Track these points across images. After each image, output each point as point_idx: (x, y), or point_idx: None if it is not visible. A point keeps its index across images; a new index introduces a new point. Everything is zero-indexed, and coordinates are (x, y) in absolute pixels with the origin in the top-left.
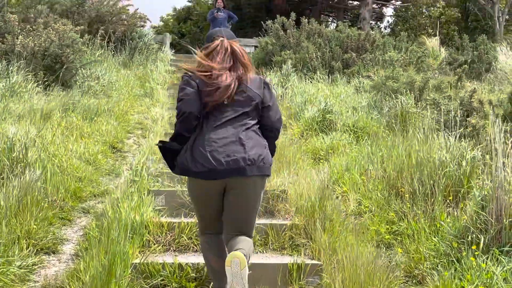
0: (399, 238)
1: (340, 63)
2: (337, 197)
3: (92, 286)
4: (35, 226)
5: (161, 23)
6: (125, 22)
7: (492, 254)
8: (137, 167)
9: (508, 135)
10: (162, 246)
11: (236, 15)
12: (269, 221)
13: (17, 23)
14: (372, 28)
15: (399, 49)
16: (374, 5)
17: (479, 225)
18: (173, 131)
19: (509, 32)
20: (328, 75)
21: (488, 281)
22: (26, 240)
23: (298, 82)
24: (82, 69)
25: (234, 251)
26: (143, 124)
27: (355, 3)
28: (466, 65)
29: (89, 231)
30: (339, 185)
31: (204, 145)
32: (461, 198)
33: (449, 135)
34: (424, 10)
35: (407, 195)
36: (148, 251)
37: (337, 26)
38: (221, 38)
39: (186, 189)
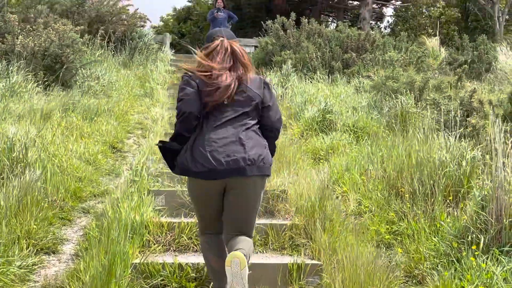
0: (399, 238)
1: (340, 63)
2: (337, 197)
3: (92, 286)
4: (35, 226)
5: (161, 23)
6: (125, 22)
7: (492, 254)
8: (137, 167)
9: (508, 135)
10: (162, 246)
11: (236, 15)
12: (269, 221)
13: (17, 23)
14: (372, 28)
15: (399, 49)
16: (374, 5)
17: (479, 225)
18: (173, 131)
19: (509, 32)
20: (328, 75)
21: (488, 281)
22: (26, 240)
23: (298, 82)
24: (82, 69)
25: (234, 251)
26: (143, 124)
27: (355, 3)
28: (466, 65)
29: (89, 231)
30: (339, 185)
31: (204, 145)
32: (461, 198)
33: (449, 135)
34: (424, 10)
35: (407, 195)
36: (148, 251)
37: (337, 26)
38: (221, 38)
39: (186, 189)
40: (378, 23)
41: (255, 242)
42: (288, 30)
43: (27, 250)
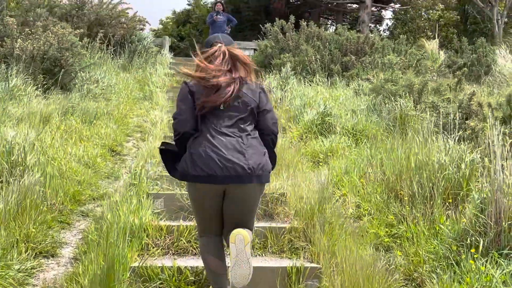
0: (398, 241)
1: (339, 66)
2: (336, 200)
3: None
4: (34, 230)
5: (161, 26)
6: (125, 25)
7: (491, 257)
8: (136, 170)
9: (507, 137)
10: (161, 249)
11: (235, 18)
12: (268, 224)
13: (16, 27)
14: (371, 31)
15: (398, 52)
16: (373, 8)
17: (478, 228)
18: (172, 134)
19: (508, 35)
20: (327, 78)
21: (487, 284)
22: (25, 244)
23: (297, 85)
24: (81, 72)
25: (237, 229)
26: (142, 127)
27: (354, 6)
28: (465, 68)
29: (88, 235)
30: (338, 188)
31: (205, 150)
32: (460, 201)
33: (448, 138)
34: (423, 13)
35: (406, 198)
36: (147, 254)
37: (336, 29)
38: (219, 44)
39: (185, 192)
40: (377, 26)
41: (254, 245)
42: (287, 33)
43: (26, 254)
